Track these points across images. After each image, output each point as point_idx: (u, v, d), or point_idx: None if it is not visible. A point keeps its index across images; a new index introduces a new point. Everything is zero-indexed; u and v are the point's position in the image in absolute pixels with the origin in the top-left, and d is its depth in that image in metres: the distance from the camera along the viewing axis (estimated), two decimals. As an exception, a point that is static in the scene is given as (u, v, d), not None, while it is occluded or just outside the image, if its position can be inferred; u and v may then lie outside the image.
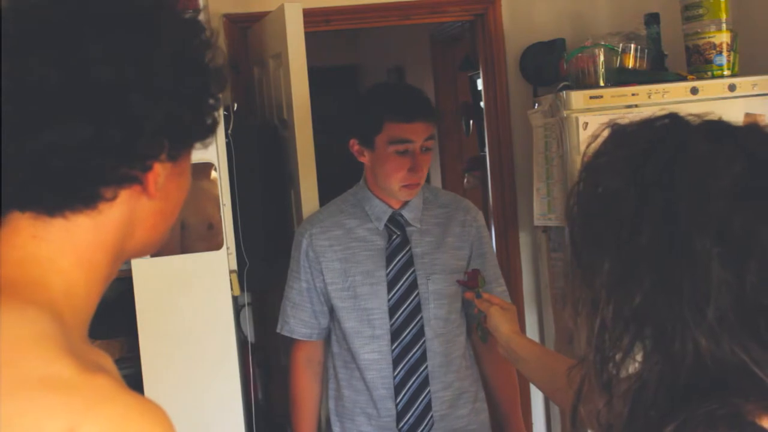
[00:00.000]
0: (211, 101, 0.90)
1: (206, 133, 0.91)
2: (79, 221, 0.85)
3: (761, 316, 0.89)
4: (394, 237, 2.35)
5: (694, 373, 0.90)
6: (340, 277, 2.34)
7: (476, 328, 2.16)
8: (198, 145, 0.92)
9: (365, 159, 2.33)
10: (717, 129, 0.96)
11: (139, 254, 0.95)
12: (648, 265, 0.91)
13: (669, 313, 0.90)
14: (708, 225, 0.89)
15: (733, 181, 0.90)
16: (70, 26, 0.82)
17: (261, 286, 3.13)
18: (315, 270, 2.36)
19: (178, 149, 0.89)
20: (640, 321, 0.92)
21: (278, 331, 2.44)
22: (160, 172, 0.87)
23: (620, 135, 1.00)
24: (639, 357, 0.95)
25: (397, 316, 2.33)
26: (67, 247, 0.85)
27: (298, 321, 2.40)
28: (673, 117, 0.98)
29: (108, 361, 0.86)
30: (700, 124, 0.97)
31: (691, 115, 0.98)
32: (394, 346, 2.32)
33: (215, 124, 0.92)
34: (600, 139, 1.01)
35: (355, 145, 2.33)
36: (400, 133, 2.25)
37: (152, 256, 2.54)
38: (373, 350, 2.33)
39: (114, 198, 0.85)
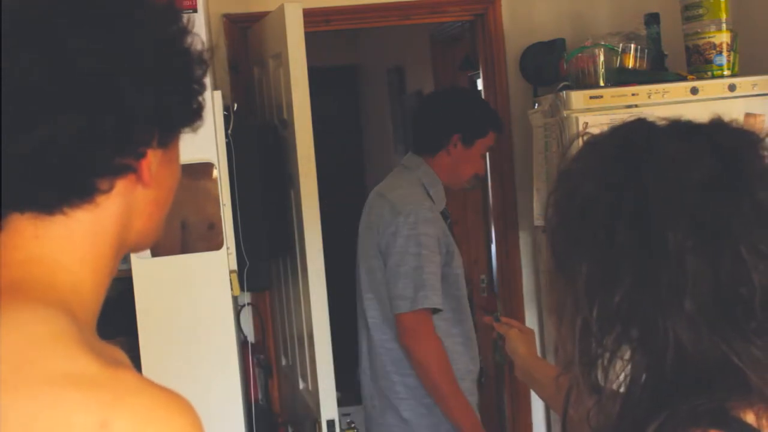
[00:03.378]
0: (195, 86, 0.91)
1: (193, 117, 0.92)
2: (78, 217, 0.85)
3: (738, 305, 0.91)
4: (448, 219, 2.76)
5: (677, 369, 0.91)
6: (455, 247, 2.69)
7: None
8: (187, 130, 0.93)
9: (455, 151, 2.74)
10: (684, 128, 0.99)
11: (140, 246, 0.96)
12: (626, 263, 0.93)
13: (650, 309, 0.92)
14: (680, 218, 0.91)
15: (702, 175, 0.92)
16: (53, 20, 0.82)
17: (261, 286, 3.13)
18: (442, 243, 2.62)
19: (168, 135, 0.90)
20: (623, 320, 0.94)
21: (421, 306, 2.51)
22: (152, 159, 0.88)
23: (592, 143, 1.03)
24: (627, 356, 0.96)
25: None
26: (69, 245, 0.86)
27: (438, 292, 2.56)
28: (641, 121, 1.01)
29: (123, 356, 0.87)
30: (667, 125, 1.00)
31: (659, 118, 1.01)
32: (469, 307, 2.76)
33: (201, 108, 0.93)
34: (573, 150, 1.05)
35: (456, 139, 2.74)
36: (492, 142, 2.84)
37: (153, 255, 2.54)
38: (469, 313, 2.71)
39: (110, 189, 0.86)
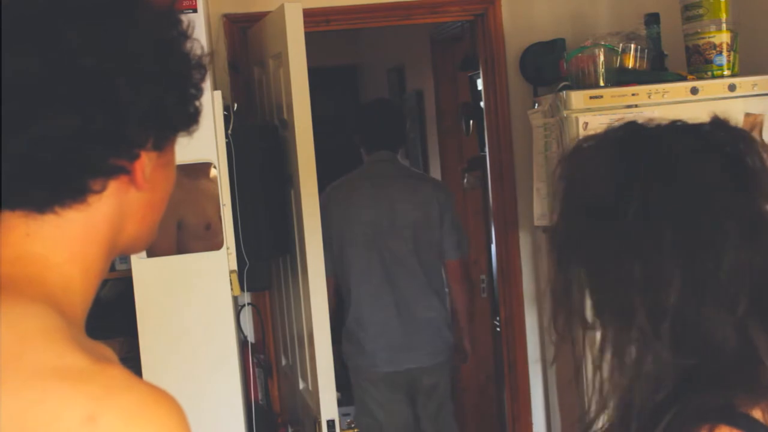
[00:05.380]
0: (193, 90, 0.91)
1: (189, 121, 0.92)
2: (70, 216, 0.85)
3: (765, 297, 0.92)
4: None
5: (696, 364, 0.92)
6: None
7: None
8: (183, 134, 0.93)
9: None
10: (681, 128, 1.01)
11: (132, 249, 0.96)
12: (674, 264, 0.94)
13: (686, 306, 0.93)
14: (717, 214, 0.93)
15: (722, 170, 0.94)
16: (49, 17, 0.82)
17: (261, 286, 3.13)
18: None
19: (163, 138, 0.90)
20: (666, 318, 0.94)
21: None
22: (146, 162, 0.88)
23: (584, 147, 1.04)
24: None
25: None
26: (60, 244, 0.86)
27: None
28: (632, 124, 1.03)
29: (111, 353, 0.88)
30: (667, 125, 1.01)
31: (649, 119, 1.02)
32: None
33: (197, 113, 0.93)
34: (567, 154, 1.05)
35: None
36: None
37: (152, 256, 2.54)
38: None
39: (103, 190, 0.85)
